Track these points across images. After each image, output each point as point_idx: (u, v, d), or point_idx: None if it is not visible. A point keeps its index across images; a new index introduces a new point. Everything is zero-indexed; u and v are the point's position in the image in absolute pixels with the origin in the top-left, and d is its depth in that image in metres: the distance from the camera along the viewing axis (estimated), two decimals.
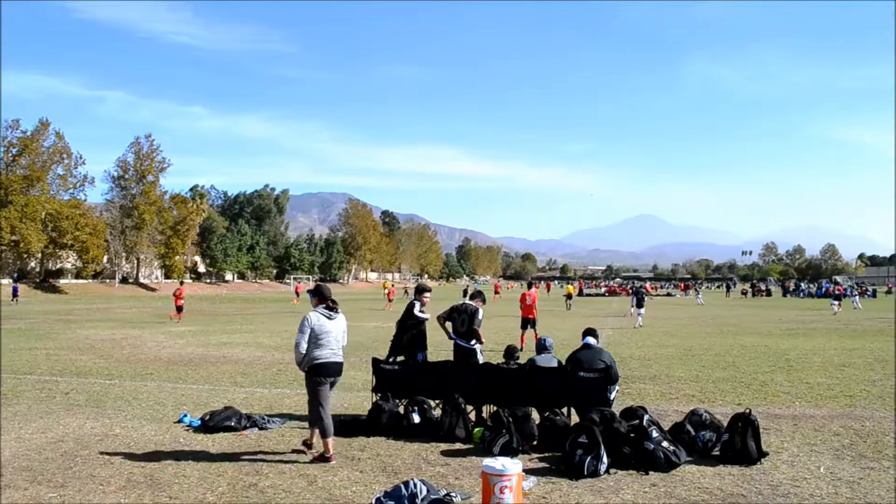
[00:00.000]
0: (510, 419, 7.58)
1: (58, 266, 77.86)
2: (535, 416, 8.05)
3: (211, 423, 8.41)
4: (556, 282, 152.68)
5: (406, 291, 60.33)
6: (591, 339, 8.61)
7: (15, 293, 49.13)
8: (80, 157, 72.87)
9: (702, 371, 13.82)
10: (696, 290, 70.02)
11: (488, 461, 5.58)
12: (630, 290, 71.26)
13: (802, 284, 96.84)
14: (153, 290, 79.54)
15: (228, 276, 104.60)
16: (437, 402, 8.63)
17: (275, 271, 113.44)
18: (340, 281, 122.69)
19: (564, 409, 8.12)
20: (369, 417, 8.45)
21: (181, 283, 35.83)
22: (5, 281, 63.10)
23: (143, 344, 19.10)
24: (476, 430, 7.97)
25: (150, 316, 33.39)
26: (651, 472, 6.62)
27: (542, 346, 9.12)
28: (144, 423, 8.88)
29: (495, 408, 8.08)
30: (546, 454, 7.33)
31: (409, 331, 9.92)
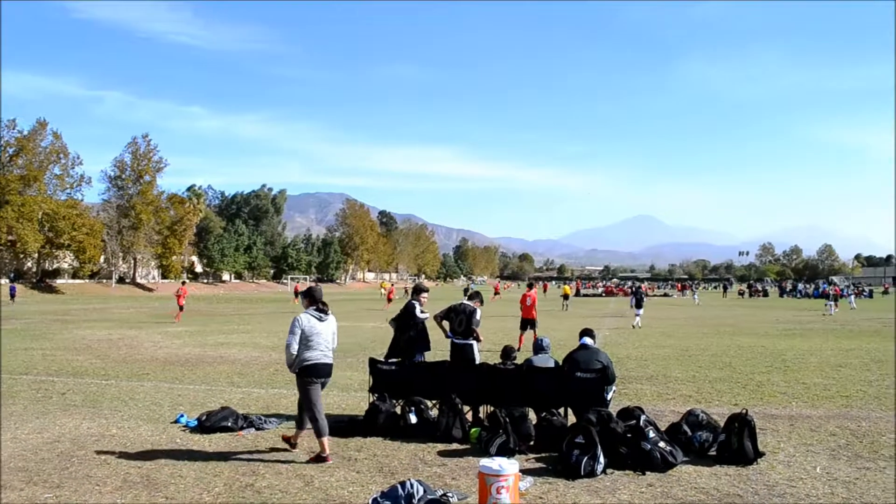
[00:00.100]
0: (507, 419, 7.58)
1: (54, 266, 77.68)
2: (532, 416, 8.05)
3: (207, 424, 8.40)
4: (553, 282, 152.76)
5: (406, 291, 60.32)
6: (587, 340, 8.63)
7: (12, 293, 49.02)
8: (78, 158, 72.89)
9: (698, 371, 13.83)
10: (692, 290, 70.13)
11: (485, 461, 5.57)
12: (629, 291, 71.38)
13: (800, 285, 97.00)
14: (150, 290, 79.44)
15: (225, 277, 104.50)
16: (433, 402, 8.62)
17: (272, 271, 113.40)
18: (337, 281, 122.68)
19: (561, 410, 8.14)
20: (366, 418, 8.44)
21: (183, 282, 35.78)
22: (3, 281, 62.95)
23: (140, 344, 19.07)
24: (473, 430, 7.97)
25: (147, 316, 33.36)
26: (648, 473, 6.63)
27: (539, 347, 9.13)
28: (141, 423, 8.87)
29: (492, 408, 8.09)
30: (543, 454, 7.34)
31: (409, 332, 9.91)
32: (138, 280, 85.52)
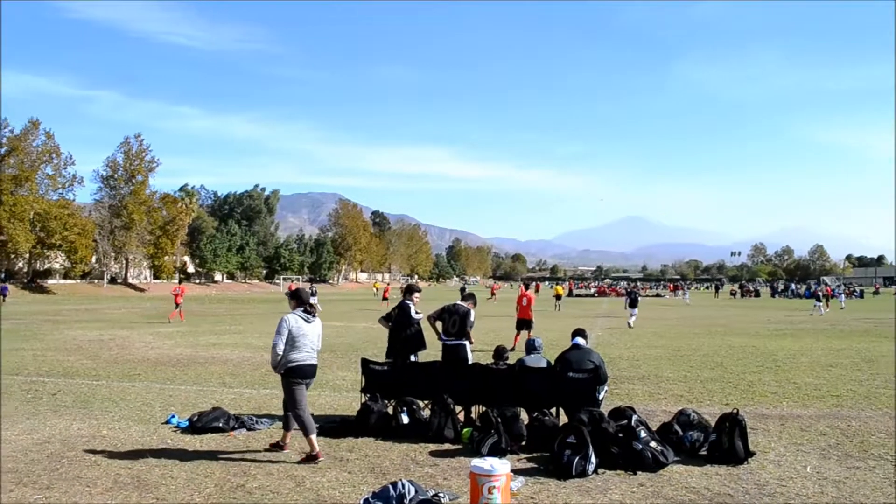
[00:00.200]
0: (499, 419, 7.59)
1: (46, 266, 77.32)
2: (524, 416, 8.07)
3: (199, 424, 8.38)
4: (545, 282, 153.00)
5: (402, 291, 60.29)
6: (580, 340, 8.64)
7: (3, 293, 48.74)
8: (70, 157, 72.54)
9: (690, 371, 13.88)
10: (683, 290, 70.36)
11: (477, 461, 5.58)
12: (622, 291, 71.39)
13: (792, 285, 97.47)
14: (142, 290, 79.05)
15: (218, 277, 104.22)
16: (426, 402, 8.63)
17: (264, 272, 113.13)
18: (330, 281, 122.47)
19: (553, 410, 8.15)
20: (358, 418, 8.43)
21: (180, 282, 35.72)
22: None
23: (131, 345, 19.00)
24: (465, 430, 7.98)
25: (139, 316, 33.24)
26: (639, 472, 6.64)
27: (531, 347, 9.14)
28: (132, 424, 8.83)
29: (484, 408, 8.09)
30: (535, 454, 7.35)
31: (405, 331, 9.88)
32: (130, 280, 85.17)
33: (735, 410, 7.33)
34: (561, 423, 7.60)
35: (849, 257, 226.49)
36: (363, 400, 8.67)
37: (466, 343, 9.91)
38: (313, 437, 7.14)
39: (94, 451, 7.41)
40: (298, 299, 7.56)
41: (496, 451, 7.15)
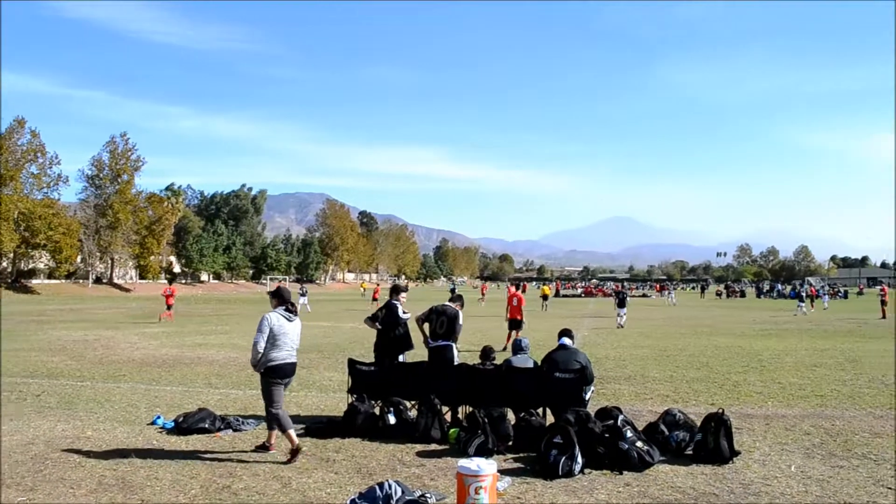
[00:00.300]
0: (486, 420, 7.59)
1: (30, 266, 76.64)
2: (511, 416, 8.08)
3: (184, 425, 8.33)
4: (533, 283, 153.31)
5: None
6: (566, 340, 8.67)
7: None
8: (56, 157, 71.93)
9: (676, 371, 13.95)
10: (669, 290, 70.72)
11: (463, 462, 5.58)
12: (609, 292, 71.64)
13: (778, 285, 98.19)
14: (127, 290, 78.48)
15: (204, 277, 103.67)
16: (413, 403, 8.62)
17: (251, 272, 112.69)
18: (317, 282, 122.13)
19: (540, 410, 8.17)
20: (345, 419, 8.42)
21: (170, 282, 35.54)
22: None
23: (116, 345, 18.87)
24: (452, 430, 7.98)
25: (124, 317, 33.03)
26: (625, 472, 6.67)
27: (518, 347, 9.15)
28: (117, 425, 8.77)
29: (471, 408, 8.10)
30: (521, 454, 7.36)
31: (393, 331, 9.85)
32: (115, 280, 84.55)
33: (720, 410, 7.38)
34: (548, 424, 7.62)
35: (833, 258, 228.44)
36: (350, 400, 8.66)
37: (453, 344, 9.89)
38: (291, 431, 7.20)
39: (78, 453, 7.36)
40: (280, 298, 7.54)
41: (483, 452, 7.16)
